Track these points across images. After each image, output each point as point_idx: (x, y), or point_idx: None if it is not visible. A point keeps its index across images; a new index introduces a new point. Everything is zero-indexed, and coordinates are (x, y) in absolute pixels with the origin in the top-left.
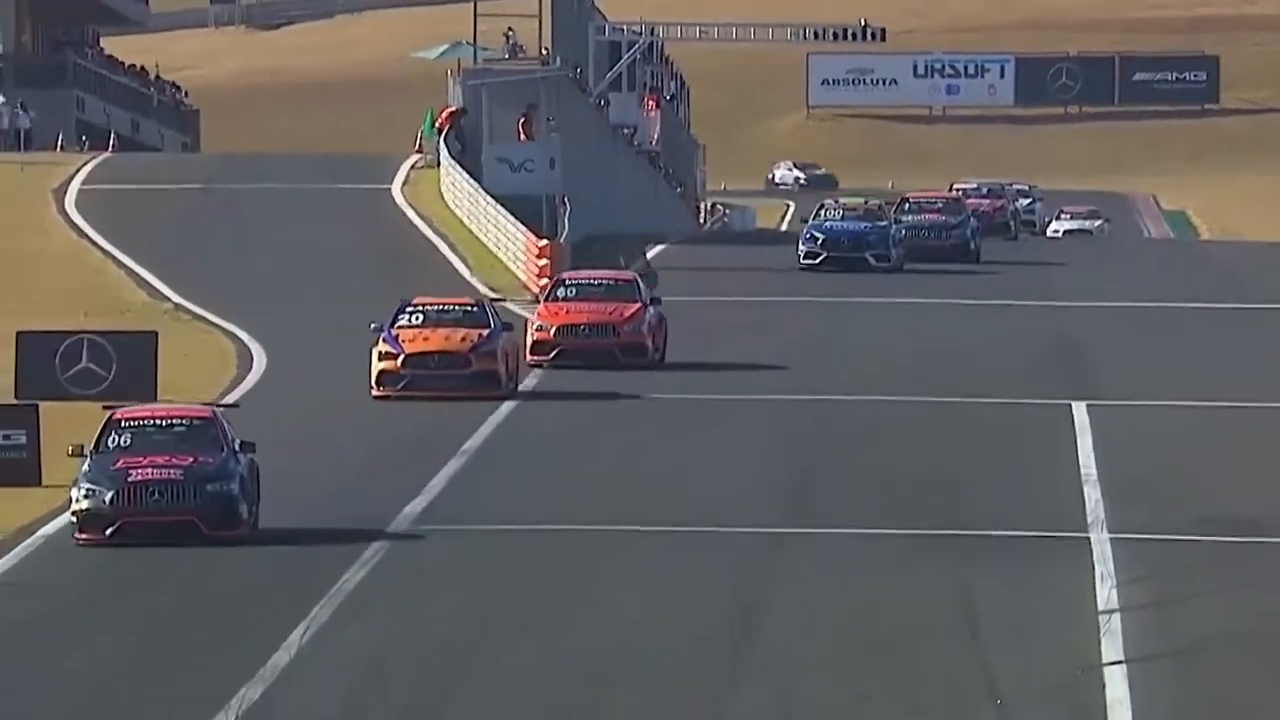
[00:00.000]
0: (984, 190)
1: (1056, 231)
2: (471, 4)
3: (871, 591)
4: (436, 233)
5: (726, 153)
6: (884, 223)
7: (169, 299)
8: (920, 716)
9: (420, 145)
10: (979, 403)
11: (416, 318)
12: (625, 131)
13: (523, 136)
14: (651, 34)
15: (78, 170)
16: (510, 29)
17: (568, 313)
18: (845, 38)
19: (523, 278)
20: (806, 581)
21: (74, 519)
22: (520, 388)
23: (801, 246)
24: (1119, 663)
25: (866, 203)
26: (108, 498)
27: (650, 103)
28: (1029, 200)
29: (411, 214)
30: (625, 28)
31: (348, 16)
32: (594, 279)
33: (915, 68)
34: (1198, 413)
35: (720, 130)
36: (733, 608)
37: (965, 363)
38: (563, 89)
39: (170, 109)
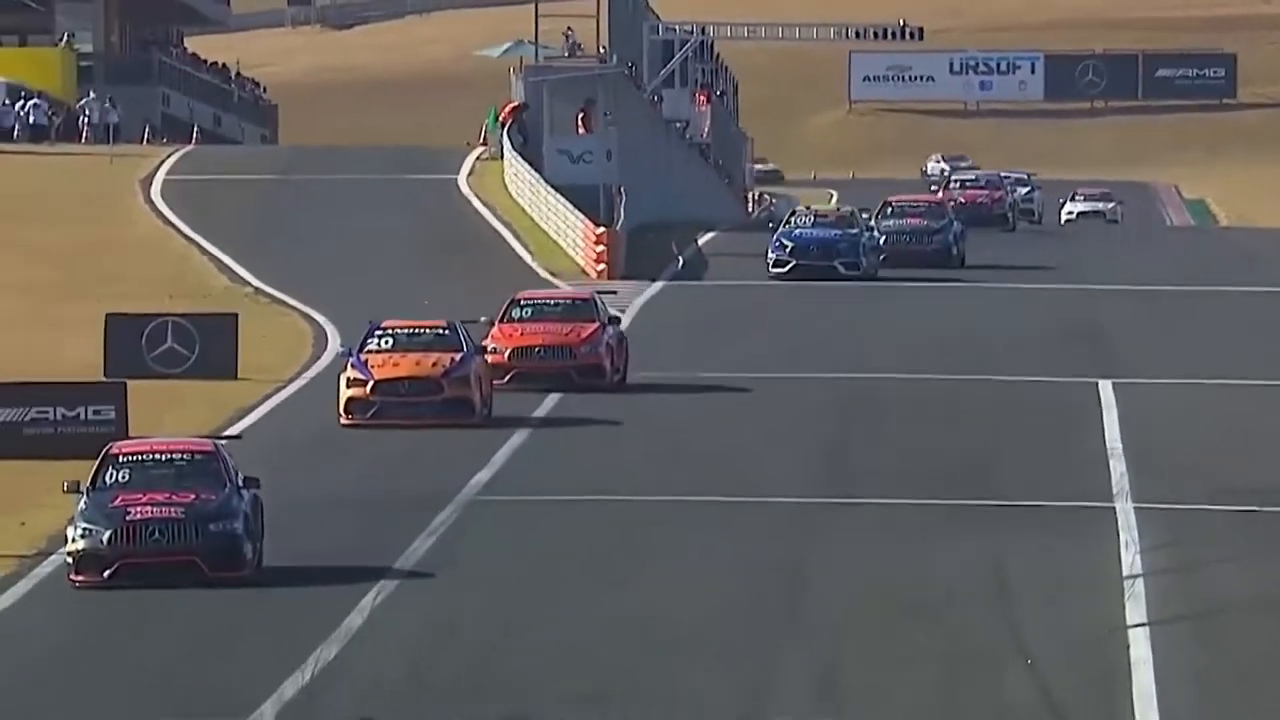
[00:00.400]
0: (981, 181)
1: (1070, 213)
2: (533, 5)
3: (909, 559)
4: (500, 220)
5: (773, 145)
6: (855, 229)
7: (249, 283)
8: (955, 676)
9: (485, 138)
10: (1010, 380)
11: (386, 341)
12: (677, 125)
13: (581, 130)
14: (702, 33)
15: (163, 162)
16: (569, 29)
17: (523, 334)
18: (885, 36)
19: (581, 263)
20: (847, 549)
21: (69, 560)
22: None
23: (770, 254)
24: (1142, 625)
25: (838, 209)
26: (105, 537)
27: (701, 98)
28: (1027, 189)
29: (476, 203)
30: (678, 27)
31: (417, 17)
32: (550, 299)
33: (951, 65)
34: (1218, 389)
35: (767, 124)
36: (777, 574)
37: (996, 343)
38: (619, 85)
39: (250, 104)
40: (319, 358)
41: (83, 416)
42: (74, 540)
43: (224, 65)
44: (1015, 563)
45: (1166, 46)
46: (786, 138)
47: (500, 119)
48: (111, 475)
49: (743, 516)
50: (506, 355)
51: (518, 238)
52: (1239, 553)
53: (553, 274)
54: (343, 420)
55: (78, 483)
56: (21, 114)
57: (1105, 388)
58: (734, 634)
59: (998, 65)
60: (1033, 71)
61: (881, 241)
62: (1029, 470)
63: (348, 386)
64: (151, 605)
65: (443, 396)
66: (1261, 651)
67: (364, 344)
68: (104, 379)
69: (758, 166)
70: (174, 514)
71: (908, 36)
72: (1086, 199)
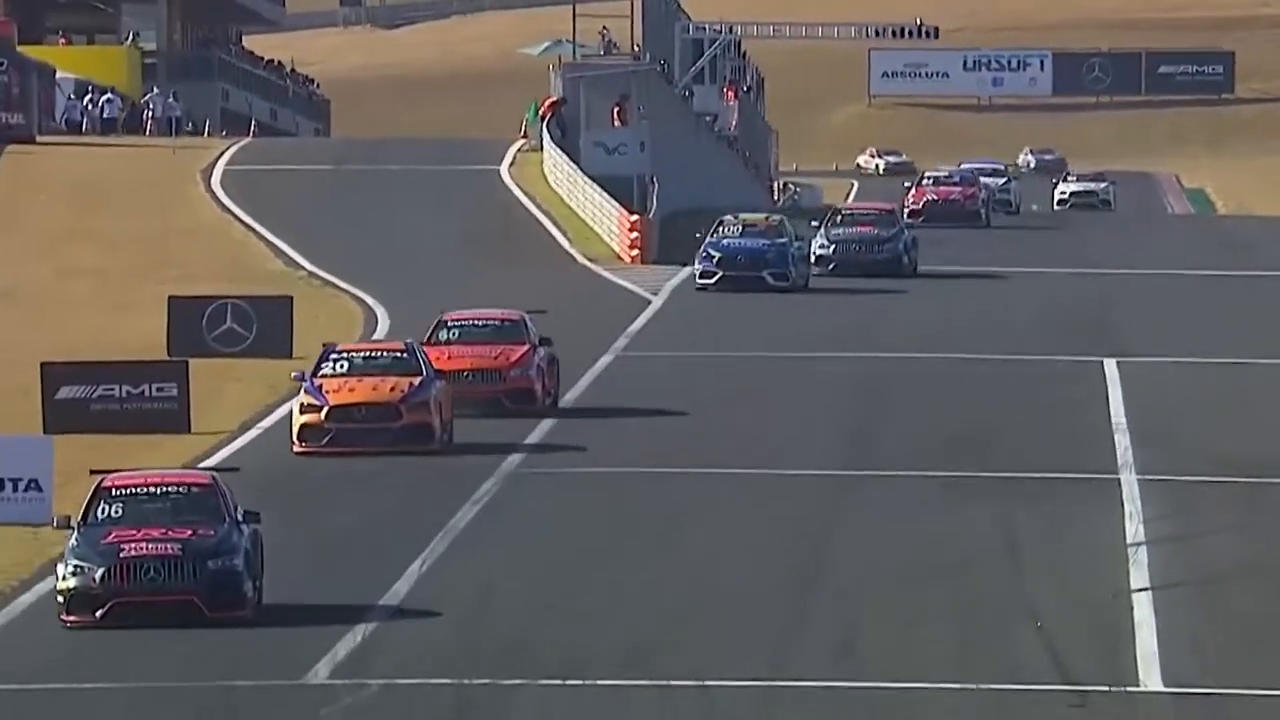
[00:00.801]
0: (955, 178)
1: (1063, 193)
2: (571, 6)
3: (925, 527)
4: (540, 208)
5: (796, 138)
6: (783, 239)
7: (303, 267)
8: (969, 637)
9: (525, 131)
10: (1020, 359)
11: (341, 365)
12: (707, 119)
13: (616, 123)
14: (731, 32)
15: (222, 153)
16: (605, 28)
17: (449, 357)
18: (903, 35)
19: (616, 248)
20: (868, 518)
21: (60, 599)
22: (613, 347)
23: (697, 265)
24: (1145, 589)
25: (767, 218)
26: (98, 575)
27: (729, 93)
28: (1004, 180)
29: (517, 192)
30: (707, 26)
31: (461, 17)
32: (478, 319)
33: (965, 62)
34: (1217, 368)
35: (791, 117)
36: (802, 541)
37: (1008, 324)
38: (652, 81)
39: (304, 99)
40: (369, 337)
41: (147, 393)
42: (64, 578)
43: (280, 63)
44: (1025, 531)
45: (1168, 45)
46: (810, 131)
47: (540, 113)
48: (103, 509)
49: (770, 488)
50: None
51: (556, 225)
52: (1237, 522)
53: (590, 259)
54: (296, 448)
55: (68, 517)
56: (92, 108)
57: (1110, 366)
58: (762, 597)
59: (1009, 62)
60: (1042, 68)
61: (831, 250)
62: (1038, 444)
63: (301, 412)
64: None
65: (401, 423)
66: (1258, 615)
67: (318, 368)
68: (167, 358)
69: (889, 159)
70: (170, 551)
71: (924, 35)
72: (1079, 179)
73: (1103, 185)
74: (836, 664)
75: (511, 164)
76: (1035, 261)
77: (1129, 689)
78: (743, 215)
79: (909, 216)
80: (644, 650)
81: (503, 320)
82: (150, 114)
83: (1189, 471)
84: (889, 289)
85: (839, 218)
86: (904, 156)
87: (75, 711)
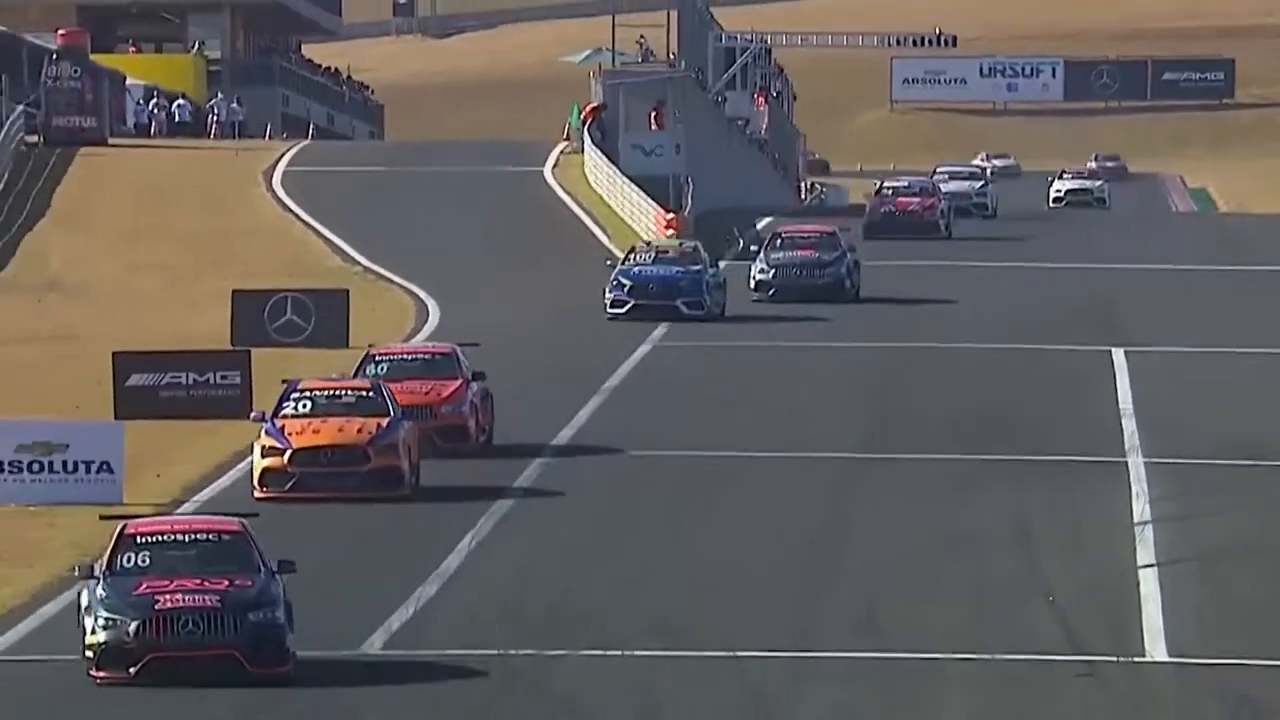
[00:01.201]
0: (915, 189)
1: (1059, 191)
2: (611, 16)
3: (941, 508)
4: (581, 207)
5: (823, 141)
6: (698, 266)
7: (358, 262)
8: (983, 611)
9: (567, 134)
10: (1032, 349)
11: (304, 405)
12: (738, 123)
13: (653, 127)
14: (761, 41)
15: (283, 155)
16: (642, 37)
17: None
18: (923, 44)
19: None
20: (885, 500)
21: (90, 654)
22: (650, 337)
23: (608, 294)
24: (1151, 566)
25: (680, 244)
26: (132, 629)
27: (759, 98)
28: (981, 184)
29: (560, 191)
30: (739, 36)
31: (508, 27)
32: (407, 353)
33: (981, 69)
34: (1220, 357)
35: (818, 121)
36: (824, 520)
37: (1019, 316)
38: (687, 87)
39: (359, 104)
40: (420, 328)
41: (212, 381)
42: (94, 631)
43: (336, 70)
44: (1036, 511)
45: (1172, 53)
46: (835, 134)
47: (582, 117)
48: (129, 558)
49: (793, 470)
50: None
51: (596, 222)
52: (1238, 502)
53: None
54: (257, 493)
55: (91, 566)
56: (158, 112)
57: (1118, 356)
58: (787, 572)
59: (1023, 69)
60: (1054, 75)
61: (771, 275)
62: (1050, 429)
63: (263, 456)
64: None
65: (369, 467)
66: (1258, 590)
67: (279, 408)
68: (231, 348)
69: (998, 163)
70: (209, 602)
71: (943, 44)
72: (1075, 177)
73: (1098, 183)
74: (858, 636)
75: (554, 165)
76: (1047, 258)
77: (1135, 659)
78: (655, 241)
79: (866, 229)
80: (672, 624)
81: (433, 354)
82: (215, 118)
83: (1192, 455)
84: (912, 279)
85: (779, 241)
86: (1012, 159)
87: None
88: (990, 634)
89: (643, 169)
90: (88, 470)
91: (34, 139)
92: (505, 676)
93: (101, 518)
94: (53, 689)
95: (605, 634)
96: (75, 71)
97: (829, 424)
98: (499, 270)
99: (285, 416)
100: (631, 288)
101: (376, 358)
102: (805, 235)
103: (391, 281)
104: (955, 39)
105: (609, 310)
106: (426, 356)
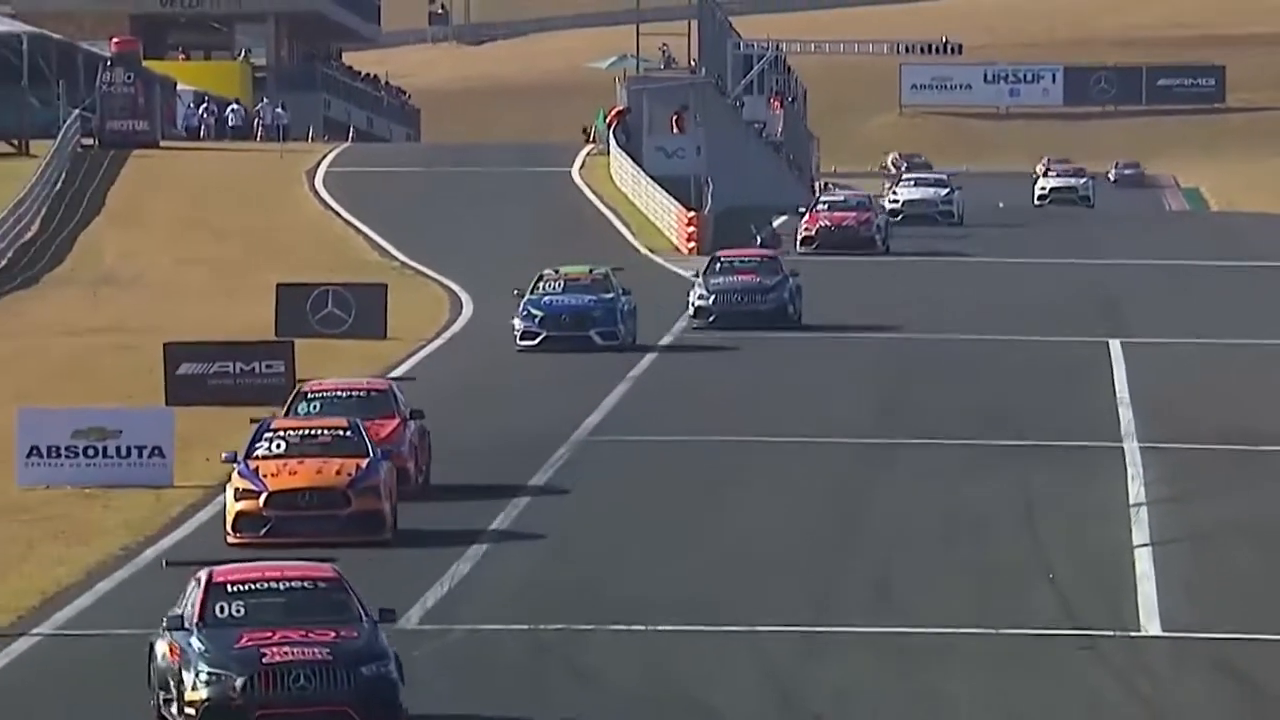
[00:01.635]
0: (852, 204)
1: (1043, 189)
2: (635, 25)
3: (950, 490)
4: (606, 205)
5: (835, 143)
6: (610, 294)
7: (396, 258)
8: (988, 587)
9: (594, 137)
10: (1034, 340)
11: (277, 445)
12: (756, 126)
13: (675, 130)
14: (777, 49)
15: (324, 157)
16: (665, 45)
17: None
18: (930, 51)
19: (675, 241)
20: (898, 483)
21: (192, 711)
22: (674, 330)
23: (518, 325)
24: (1146, 545)
25: (590, 272)
26: (238, 684)
27: (775, 103)
28: (947, 190)
29: (587, 191)
30: (756, 44)
31: (538, 35)
32: (341, 390)
33: (985, 75)
34: (1212, 347)
35: (831, 125)
36: (839, 503)
37: (1022, 309)
38: (707, 92)
39: (397, 108)
40: (455, 320)
41: (257, 370)
42: (195, 688)
43: (375, 75)
44: (1039, 493)
45: (1166, 60)
46: (847, 137)
47: (607, 120)
48: (222, 608)
49: (809, 456)
50: None
51: (621, 220)
52: (1229, 485)
53: (651, 251)
54: (230, 539)
55: (180, 617)
56: (208, 117)
57: (1115, 346)
58: (805, 551)
59: (1025, 76)
60: (1054, 81)
61: (710, 301)
62: (1049, 416)
63: (236, 499)
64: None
65: (349, 510)
66: (1247, 568)
67: (252, 448)
68: (275, 338)
69: (1059, 166)
70: (319, 656)
71: (949, 51)
72: (1060, 174)
73: (1082, 181)
74: (872, 612)
75: (581, 166)
76: (1047, 252)
77: (1132, 634)
78: (564, 269)
79: (802, 244)
80: (695, 602)
81: (369, 391)
82: (260, 122)
83: (1186, 440)
84: (909, 274)
85: (718, 265)
86: (1069, 164)
87: None
88: (995, 609)
89: (665, 170)
90: (140, 454)
91: (89, 141)
92: (535, 650)
93: (167, 564)
94: (107, 665)
95: (632, 611)
96: (128, 77)
97: (843, 412)
98: (529, 265)
99: (258, 458)
100: (543, 318)
101: (309, 394)
102: (745, 259)
103: (427, 276)
104: (961, 47)
105: (519, 342)
106: (361, 394)
